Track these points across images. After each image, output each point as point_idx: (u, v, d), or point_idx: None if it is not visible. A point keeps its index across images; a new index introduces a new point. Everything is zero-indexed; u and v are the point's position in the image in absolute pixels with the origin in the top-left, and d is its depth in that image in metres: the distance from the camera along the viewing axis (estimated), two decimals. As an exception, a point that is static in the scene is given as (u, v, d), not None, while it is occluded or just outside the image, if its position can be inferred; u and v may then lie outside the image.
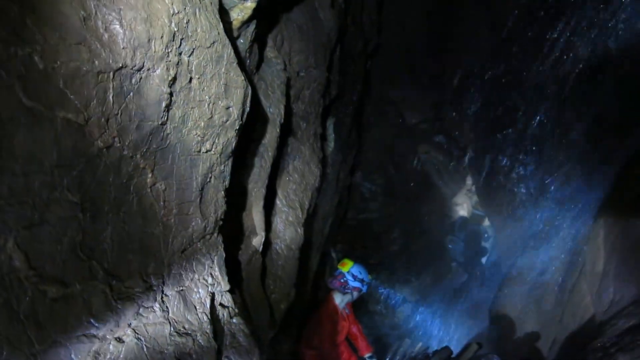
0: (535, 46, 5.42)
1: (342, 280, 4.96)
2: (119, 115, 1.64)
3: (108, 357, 1.64)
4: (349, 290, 4.97)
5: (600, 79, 4.88)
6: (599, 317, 3.07)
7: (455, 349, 5.07)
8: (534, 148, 5.45)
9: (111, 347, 1.66)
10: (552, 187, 5.10)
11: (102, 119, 1.59)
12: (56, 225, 1.45)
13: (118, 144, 1.67)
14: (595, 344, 2.62)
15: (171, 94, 1.85)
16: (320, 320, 4.83)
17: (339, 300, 4.97)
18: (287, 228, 3.98)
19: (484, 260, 9.21)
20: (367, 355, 5.15)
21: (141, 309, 1.80)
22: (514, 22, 5.91)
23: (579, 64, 5.03)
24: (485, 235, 9.24)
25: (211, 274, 2.26)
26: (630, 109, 4.51)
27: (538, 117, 5.23)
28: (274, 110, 3.53)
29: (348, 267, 5.00)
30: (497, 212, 6.94)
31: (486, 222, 8.95)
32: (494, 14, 6.54)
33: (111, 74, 1.58)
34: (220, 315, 2.34)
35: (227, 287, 2.42)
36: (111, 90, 1.60)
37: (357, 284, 4.97)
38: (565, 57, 5.07)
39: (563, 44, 5.12)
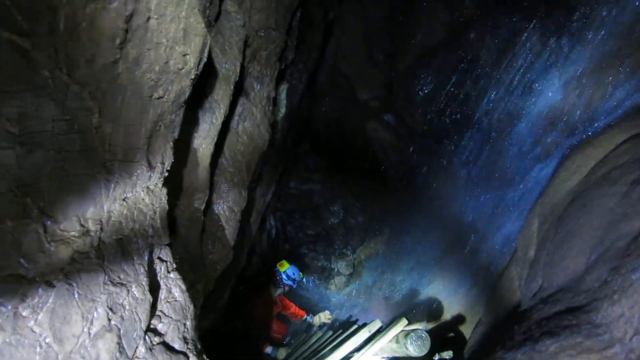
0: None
1: (278, 277, 6.20)
2: (68, 45, 1.53)
3: (36, 300, 1.55)
4: (282, 286, 6.25)
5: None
6: (525, 303, 3.20)
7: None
8: (478, 134, 5.56)
9: (40, 290, 1.56)
10: (495, 175, 5.24)
11: (51, 47, 1.47)
12: (-9, 155, 1.35)
13: (65, 77, 1.55)
14: (521, 328, 2.73)
15: (127, 31, 1.74)
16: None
17: (273, 291, 6.20)
18: (231, 189, 3.90)
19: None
20: (306, 316, 6.63)
21: (76, 254, 1.71)
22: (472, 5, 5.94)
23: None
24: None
25: (152, 226, 2.17)
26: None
27: (489, 105, 5.33)
28: (230, 67, 3.42)
29: (284, 268, 6.24)
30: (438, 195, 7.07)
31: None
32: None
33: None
34: (158, 269, 2.27)
35: (167, 241, 2.35)
36: (62, 17, 1.48)
37: (289, 282, 6.28)
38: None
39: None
